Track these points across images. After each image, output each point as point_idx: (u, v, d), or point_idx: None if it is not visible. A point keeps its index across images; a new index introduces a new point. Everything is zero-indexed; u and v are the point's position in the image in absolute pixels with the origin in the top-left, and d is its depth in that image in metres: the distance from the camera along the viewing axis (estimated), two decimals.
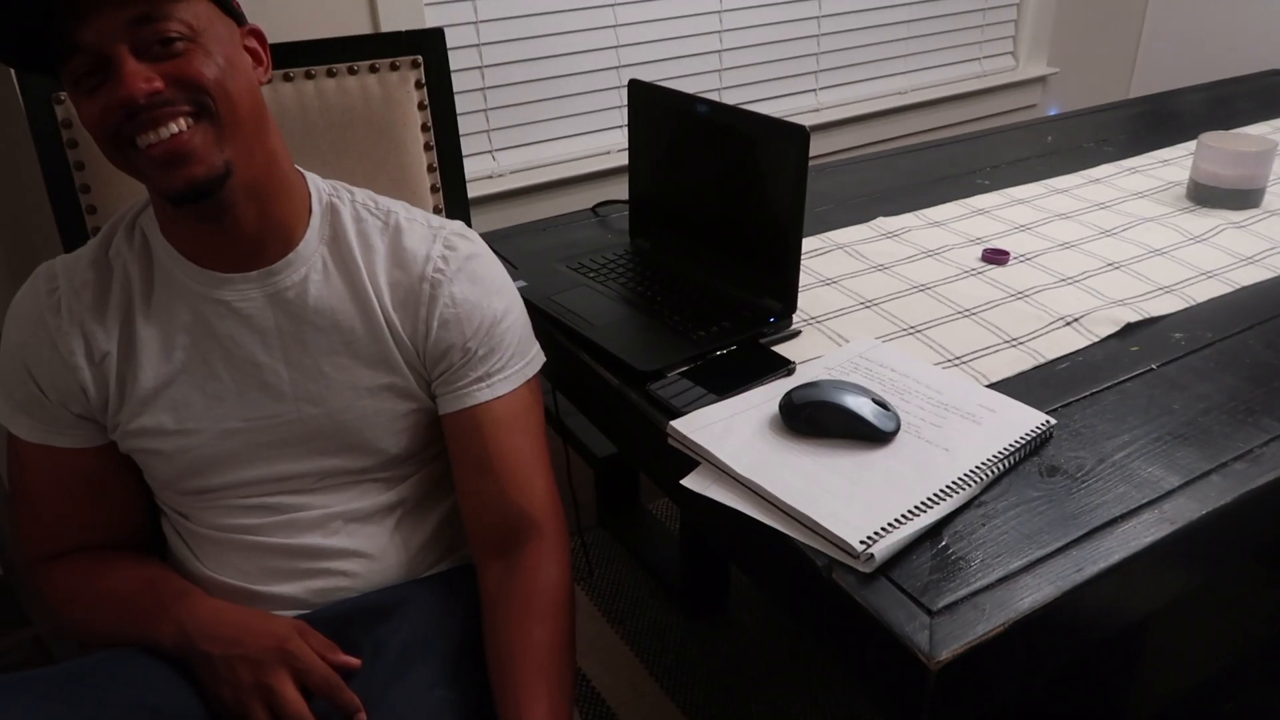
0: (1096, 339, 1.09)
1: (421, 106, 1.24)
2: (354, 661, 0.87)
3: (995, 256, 1.29)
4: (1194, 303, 1.17)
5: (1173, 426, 0.94)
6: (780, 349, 1.07)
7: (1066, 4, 2.70)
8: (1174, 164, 1.65)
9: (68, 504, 0.92)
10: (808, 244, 1.34)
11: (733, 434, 0.91)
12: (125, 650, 0.87)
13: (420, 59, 1.22)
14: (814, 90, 2.39)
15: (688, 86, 2.16)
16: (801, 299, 1.17)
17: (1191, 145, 1.54)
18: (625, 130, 1.57)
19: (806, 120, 2.26)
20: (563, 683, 0.86)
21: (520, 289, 1.00)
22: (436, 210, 1.28)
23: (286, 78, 1.15)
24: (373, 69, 1.19)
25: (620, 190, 1.40)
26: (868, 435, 0.89)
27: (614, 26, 2.05)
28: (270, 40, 0.90)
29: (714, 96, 2.23)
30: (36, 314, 0.87)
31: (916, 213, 1.46)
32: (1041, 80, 2.74)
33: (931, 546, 0.79)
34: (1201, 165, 1.46)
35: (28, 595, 1.61)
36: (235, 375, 0.89)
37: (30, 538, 0.93)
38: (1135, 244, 1.34)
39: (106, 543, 0.94)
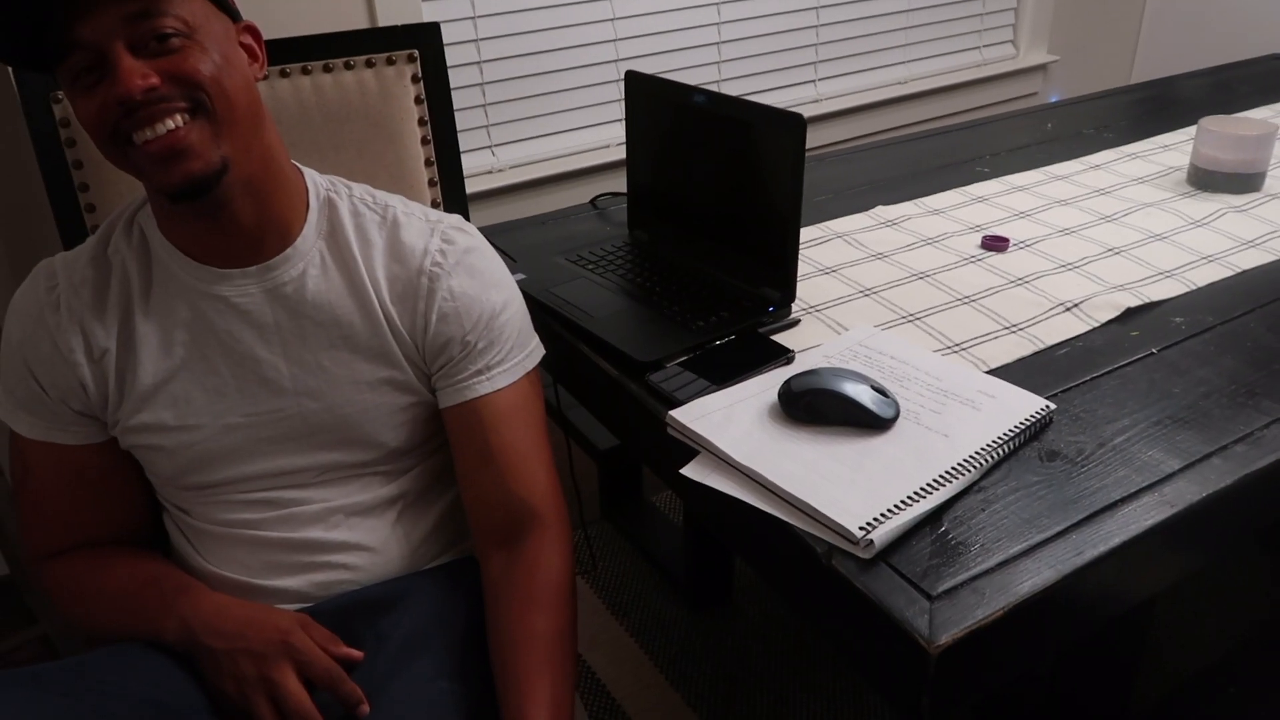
0: (1096, 324, 1.09)
1: (418, 101, 1.24)
2: (356, 654, 0.87)
3: (995, 243, 1.29)
4: (1194, 287, 1.17)
5: (1173, 410, 0.93)
6: (779, 338, 1.07)
7: None
8: (1174, 149, 1.64)
9: (70, 501, 0.92)
10: (807, 233, 1.34)
11: (732, 423, 0.91)
12: (128, 645, 0.87)
13: (417, 53, 1.22)
14: (813, 81, 2.39)
15: (687, 79, 2.15)
16: (801, 288, 1.17)
17: (1192, 130, 1.54)
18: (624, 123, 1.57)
19: (806, 111, 2.26)
20: (565, 672, 0.87)
21: (519, 282, 1.00)
22: (435, 205, 1.29)
23: (284, 74, 1.16)
24: (369, 64, 1.19)
25: (620, 184, 1.41)
26: (867, 422, 0.89)
27: (612, 20, 2.05)
28: (269, 36, 0.90)
29: (713, 88, 2.22)
30: (36, 311, 0.87)
31: (916, 201, 1.46)
32: (1042, 68, 2.73)
33: (931, 532, 0.79)
34: (1202, 150, 1.45)
35: (34, 594, 1.62)
36: (235, 370, 0.89)
37: (33, 535, 0.94)
38: (1135, 229, 1.33)
39: (109, 539, 0.94)
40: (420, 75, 1.23)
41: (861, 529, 0.76)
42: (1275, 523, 0.93)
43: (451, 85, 1.26)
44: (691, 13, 2.14)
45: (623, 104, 1.58)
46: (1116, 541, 0.77)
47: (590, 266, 1.25)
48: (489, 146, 2.01)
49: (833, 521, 0.78)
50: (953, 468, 0.84)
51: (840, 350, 1.03)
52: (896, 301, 1.16)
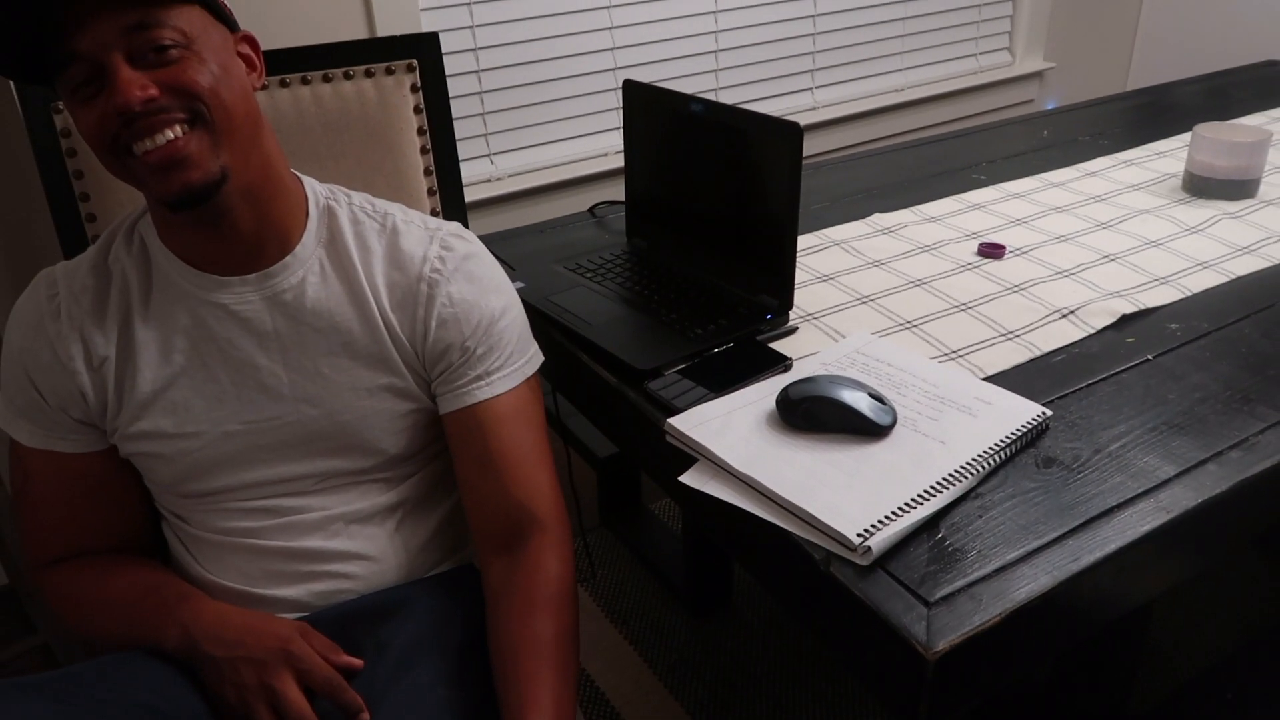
0: (1092, 331, 1.10)
1: (417, 110, 1.24)
2: (356, 662, 0.87)
3: (991, 250, 1.29)
4: (1190, 293, 1.17)
5: (1169, 416, 0.94)
6: (777, 345, 1.08)
7: None
8: (1169, 156, 1.65)
9: (70, 509, 0.92)
10: (804, 241, 1.35)
11: (730, 430, 0.91)
12: (128, 654, 0.87)
13: (415, 63, 1.23)
14: (810, 89, 2.40)
15: (684, 87, 2.16)
16: (798, 295, 1.17)
17: (1187, 137, 1.54)
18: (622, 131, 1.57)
19: (803, 119, 2.27)
20: (566, 675, 0.87)
21: (518, 290, 1.00)
22: (434, 213, 1.29)
23: (283, 84, 1.16)
24: (368, 74, 1.20)
25: (618, 192, 1.41)
26: (864, 429, 0.89)
27: (610, 29, 2.06)
28: (268, 47, 0.91)
29: (711, 97, 2.23)
30: (36, 320, 0.88)
31: (912, 208, 1.46)
32: (1038, 75, 2.74)
33: (928, 539, 0.79)
34: (1197, 156, 1.46)
35: (34, 603, 1.62)
36: (234, 378, 0.89)
37: (33, 543, 0.94)
38: (1131, 236, 1.34)
39: (109, 547, 0.94)
40: (419, 85, 1.23)
41: (859, 535, 0.77)
42: (1271, 528, 0.93)
43: (450, 94, 1.27)
44: (689, 21, 2.15)
45: (621, 112, 1.59)
46: (1113, 547, 0.78)
47: (589, 274, 1.25)
48: (488, 155, 2.02)
49: (830, 528, 0.78)
50: (950, 474, 0.84)
51: (838, 357, 1.03)
52: (893, 309, 1.16)
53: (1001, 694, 0.77)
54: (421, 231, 0.94)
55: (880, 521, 0.78)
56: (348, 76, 1.19)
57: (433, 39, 1.24)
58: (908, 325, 1.12)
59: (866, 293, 1.20)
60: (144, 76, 0.76)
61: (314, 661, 0.84)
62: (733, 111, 1.14)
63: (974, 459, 0.86)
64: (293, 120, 1.17)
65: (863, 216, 1.44)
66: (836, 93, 2.44)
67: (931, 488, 0.82)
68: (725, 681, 1.57)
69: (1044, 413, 0.93)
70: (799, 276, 1.21)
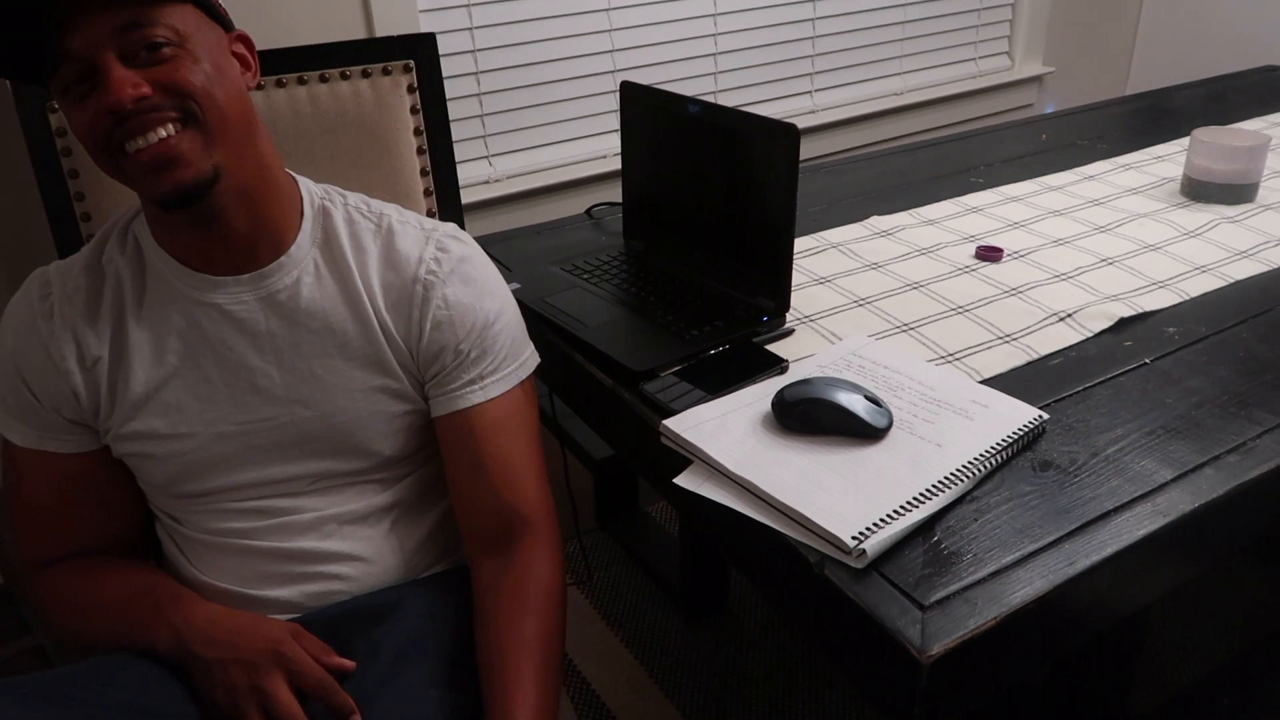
0: (1090, 334, 1.09)
1: (414, 111, 1.24)
2: (348, 664, 0.87)
3: (989, 253, 1.29)
4: (1187, 297, 1.17)
5: (1166, 420, 0.94)
6: (773, 347, 1.07)
7: (1061, 3, 2.70)
8: (1168, 160, 1.65)
9: (62, 509, 0.92)
10: (801, 243, 1.34)
11: (725, 432, 0.91)
12: (120, 655, 0.87)
13: (412, 64, 1.22)
14: (809, 92, 2.40)
15: (684, 90, 2.15)
16: (795, 298, 1.17)
17: (1186, 141, 1.54)
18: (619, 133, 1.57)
19: (802, 121, 2.27)
20: (551, 677, 0.86)
21: (514, 291, 1.00)
22: (430, 215, 1.29)
23: (280, 84, 1.16)
24: (365, 74, 1.20)
25: (615, 194, 1.41)
26: (860, 432, 0.89)
27: (609, 31, 2.06)
28: (265, 47, 0.91)
29: (710, 99, 2.23)
30: (29, 319, 0.87)
31: (910, 211, 1.46)
32: (1037, 79, 2.74)
33: (924, 542, 0.79)
34: (1195, 160, 1.46)
35: (28, 604, 1.61)
36: (227, 378, 0.89)
37: (25, 543, 0.93)
38: (1129, 239, 1.34)
39: (101, 548, 0.94)
40: (416, 86, 1.23)
41: (854, 538, 0.76)
42: (1268, 533, 0.93)
43: (448, 95, 1.26)
44: (688, 24, 2.15)
45: (618, 114, 1.59)
46: (1109, 551, 0.77)
47: (585, 276, 1.25)
48: (486, 156, 2.02)
49: (825, 531, 0.78)
50: (945, 477, 0.84)
51: (834, 360, 1.03)
52: (890, 311, 1.16)
53: (997, 699, 0.76)
54: (417, 232, 0.94)
55: (875, 524, 0.78)
56: (344, 77, 1.19)
57: (429, 40, 1.23)
58: (905, 328, 1.12)
59: (863, 295, 1.20)
60: (136, 75, 0.76)
61: (305, 663, 0.84)
62: (730, 113, 1.13)
63: (970, 462, 0.86)
64: (289, 121, 1.17)
65: (860, 219, 1.44)
66: (835, 96, 2.44)
67: (927, 491, 0.82)
68: (721, 685, 1.56)
69: (1040, 416, 0.92)
70: (796, 279, 1.20)
